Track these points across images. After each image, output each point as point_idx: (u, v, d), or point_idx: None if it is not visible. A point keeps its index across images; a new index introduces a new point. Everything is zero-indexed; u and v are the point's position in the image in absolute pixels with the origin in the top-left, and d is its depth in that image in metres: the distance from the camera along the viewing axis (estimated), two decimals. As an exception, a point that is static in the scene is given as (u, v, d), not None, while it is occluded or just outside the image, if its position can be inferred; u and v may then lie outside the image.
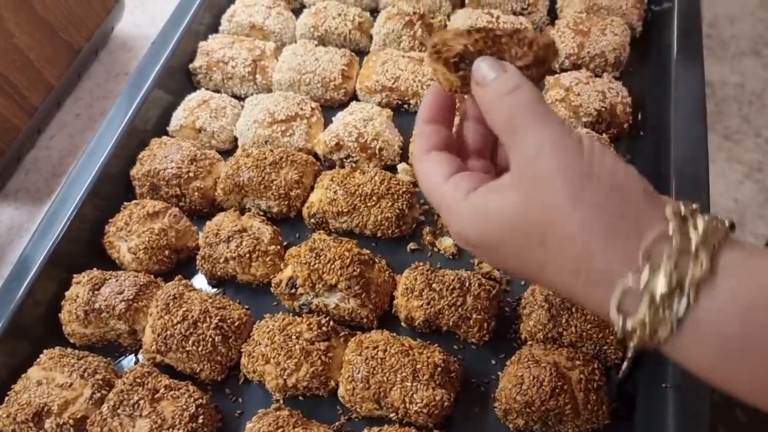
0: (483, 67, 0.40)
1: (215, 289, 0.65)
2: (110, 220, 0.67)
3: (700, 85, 0.70)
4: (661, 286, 0.32)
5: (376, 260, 0.62)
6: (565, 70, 0.74)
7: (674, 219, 0.34)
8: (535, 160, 0.36)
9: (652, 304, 0.33)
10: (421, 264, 0.60)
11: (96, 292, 0.60)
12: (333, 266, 0.59)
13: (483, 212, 0.38)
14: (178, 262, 0.66)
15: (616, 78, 0.74)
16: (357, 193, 0.64)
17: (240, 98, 0.77)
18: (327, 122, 0.73)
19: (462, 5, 0.82)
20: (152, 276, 0.63)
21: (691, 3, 0.76)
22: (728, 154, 2.43)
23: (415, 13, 0.77)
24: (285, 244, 0.66)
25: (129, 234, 0.65)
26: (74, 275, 0.63)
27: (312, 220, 0.66)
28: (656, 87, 0.73)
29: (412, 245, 0.65)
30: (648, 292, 0.33)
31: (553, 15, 0.82)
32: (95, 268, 0.64)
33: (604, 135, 0.68)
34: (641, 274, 0.33)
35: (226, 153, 0.73)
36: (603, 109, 0.69)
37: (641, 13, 0.78)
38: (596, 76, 0.73)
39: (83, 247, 0.66)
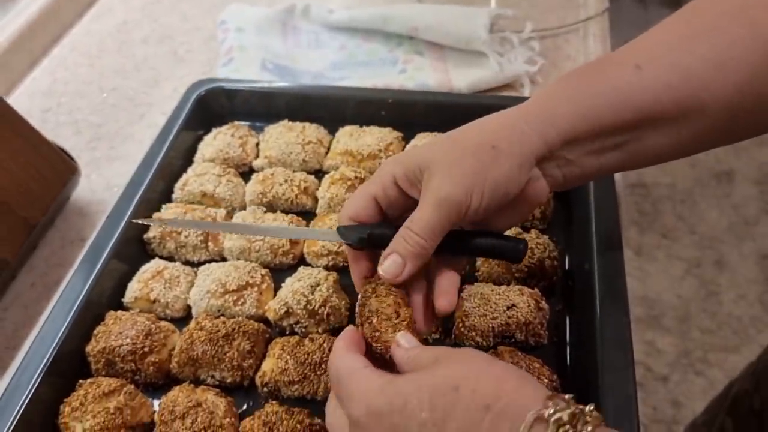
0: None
1: (171, 466, 0.66)
2: (65, 400, 0.68)
3: (616, 229, 0.76)
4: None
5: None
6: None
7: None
8: None
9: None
10: None
11: (51, 481, 0.61)
12: (286, 440, 0.61)
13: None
14: (133, 439, 0.68)
15: (543, 231, 0.80)
16: (307, 362, 0.67)
17: (193, 265, 0.81)
18: (277, 285, 0.77)
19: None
20: (107, 458, 0.64)
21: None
22: (667, 251, 2.56)
23: (356, 177, 0.84)
24: (239, 412, 0.68)
25: (84, 414, 0.66)
26: (27, 463, 0.63)
27: (265, 389, 0.69)
28: (580, 238, 0.79)
29: (362, 408, 0.68)
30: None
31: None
32: (49, 452, 0.65)
33: (535, 289, 0.74)
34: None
35: (180, 320, 0.76)
36: (532, 265, 0.74)
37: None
38: (524, 229, 0.79)
39: (39, 430, 0.67)
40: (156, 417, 0.67)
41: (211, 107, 0.97)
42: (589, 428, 0.38)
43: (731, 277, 2.27)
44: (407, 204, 0.56)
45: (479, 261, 0.77)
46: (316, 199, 0.85)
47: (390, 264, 0.54)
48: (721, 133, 0.55)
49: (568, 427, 0.38)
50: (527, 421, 0.39)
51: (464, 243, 0.57)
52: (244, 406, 0.70)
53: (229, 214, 0.84)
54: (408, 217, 0.54)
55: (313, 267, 0.78)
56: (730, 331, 2.15)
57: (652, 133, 0.54)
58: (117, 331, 0.71)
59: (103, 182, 0.97)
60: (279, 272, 0.79)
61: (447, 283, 0.57)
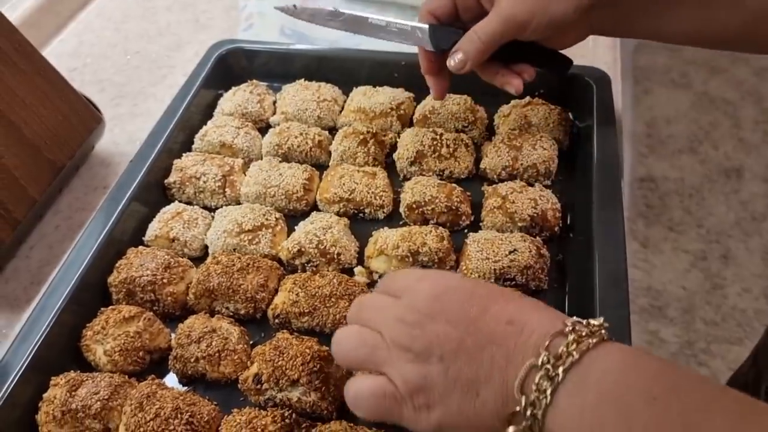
0: None
1: (186, 388, 0.70)
2: (87, 324, 0.72)
3: (617, 190, 0.79)
4: None
5: (335, 356, 0.67)
6: (502, 180, 0.84)
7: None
8: None
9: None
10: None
11: (73, 393, 0.65)
12: (295, 363, 0.65)
13: None
14: (151, 363, 0.71)
15: (547, 186, 0.83)
16: (317, 294, 0.71)
17: (210, 210, 0.85)
18: (290, 230, 0.81)
19: (410, 125, 0.92)
20: (126, 377, 0.68)
21: (608, 120, 0.87)
22: (674, 244, 2.58)
23: (368, 131, 0.87)
24: (251, 343, 0.72)
25: (105, 337, 0.70)
26: (52, 378, 0.67)
27: (276, 321, 0.72)
28: (581, 193, 0.82)
29: (368, 341, 0.71)
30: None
31: (490, 131, 0.92)
32: (71, 371, 0.68)
33: (537, 237, 0.77)
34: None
35: (197, 260, 0.80)
36: (535, 215, 0.77)
37: (567, 129, 0.89)
38: (529, 185, 0.82)
39: (61, 352, 0.71)
40: (173, 341, 0.70)
41: (231, 67, 1.01)
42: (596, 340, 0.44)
43: (737, 271, 2.29)
44: (477, 12, 0.73)
45: (484, 211, 0.80)
46: (329, 154, 0.89)
47: (457, 60, 0.73)
48: (743, 37, 0.69)
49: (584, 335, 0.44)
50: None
51: (523, 50, 0.75)
52: (256, 338, 0.73)
53: (246, 164, 0.88)
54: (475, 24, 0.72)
55: (325, 213, 0.81)
56: (734, 323, 2.16)
57: (686, 13, 0.69)
58: (138, 264, 0.75)
59: (125, 136, 1.01)
60: (292, 219, 0.83)
61: (514, 73, 0.76)
